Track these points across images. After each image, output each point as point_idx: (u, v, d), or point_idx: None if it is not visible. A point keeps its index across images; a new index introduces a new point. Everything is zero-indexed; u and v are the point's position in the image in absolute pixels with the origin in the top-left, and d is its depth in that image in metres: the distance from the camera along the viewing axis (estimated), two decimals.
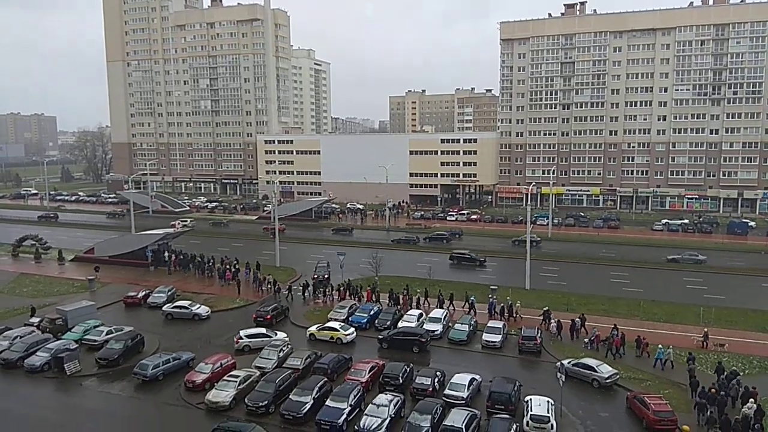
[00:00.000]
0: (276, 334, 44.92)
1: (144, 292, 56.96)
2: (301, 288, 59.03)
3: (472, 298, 52.74)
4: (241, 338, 44.24)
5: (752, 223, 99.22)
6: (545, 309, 49.39)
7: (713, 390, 33.93)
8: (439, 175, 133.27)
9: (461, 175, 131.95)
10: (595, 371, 37.71)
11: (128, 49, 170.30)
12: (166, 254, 71.55)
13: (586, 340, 44.41)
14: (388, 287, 57.55)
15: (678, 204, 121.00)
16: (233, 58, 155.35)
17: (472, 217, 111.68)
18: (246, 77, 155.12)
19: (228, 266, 66.51)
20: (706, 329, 43.87)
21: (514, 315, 50.79)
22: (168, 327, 49.83)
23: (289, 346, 42.47)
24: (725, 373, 36.72)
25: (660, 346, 41.01)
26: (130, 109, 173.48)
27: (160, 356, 40.01)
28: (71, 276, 67.07)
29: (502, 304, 51.76)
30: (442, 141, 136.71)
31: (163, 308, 52.91)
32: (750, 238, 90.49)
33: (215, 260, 69.61)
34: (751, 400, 32.97)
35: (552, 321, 47.21)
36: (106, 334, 44.50)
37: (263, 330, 45.36)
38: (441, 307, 52.14)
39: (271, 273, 63.89)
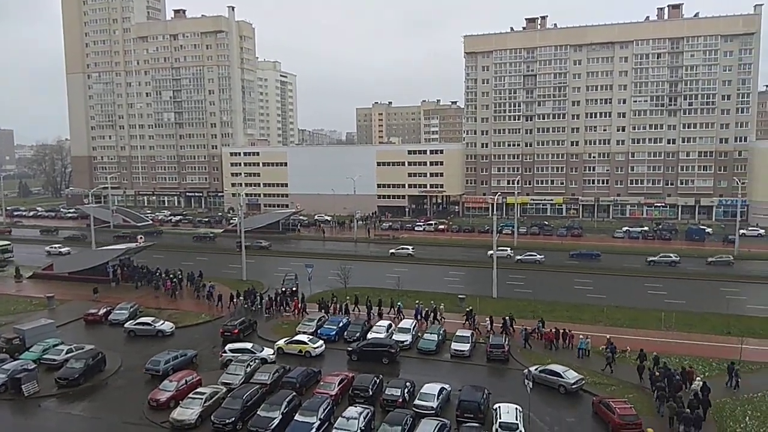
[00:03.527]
0: (263, 350, 44.25)
1: (105, 309, 55.51)
2: (232, 296, 59.13)
3: (399, 304, 54.60)
4: (225, 352, 43.64)
5: (709, 230, 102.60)
6: (468, 309, 51.80)
7: (657, 373, 37.64)
8: (406, 186, 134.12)
9: (428, 186, 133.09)
10: (562, 377, 38.28)
11: (89, 61, 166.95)
12: (113, 267, 70.04)
13: (523, 340, 46.32)
14: (357, 298, 57.45)
15: (638, 212, 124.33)
16: (197, 69, 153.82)
17: (440, 227, 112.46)
18: (210, 89, 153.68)
19: (171, 277, 66.44)
20: (608, 336, 44.51)
21: (438, 318, 52.50)
22: (131, 344, 48.61)
23: (257, 361, 41.78)
24: (658, 362, 40.05)
25: (581, 336, 44.78)
26: (91, 121, 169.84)
27: (168, 353, 42.06)
28: (29, 294, 64.90)
29: (426, 309, 53.42)
30: (409, 152, 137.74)
31: (125, 325, 51.69)
32: (707, 244, 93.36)
33: (161, 272, 69.60)
34: (698, 378, 37.28)
35: (485, 322, 49.57)
36: (66, 353, 43.14)
37: (249, 345, 44.55)
38: (369, 314, 53.59)
39: (212, 281, 64.43)
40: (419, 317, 52.39)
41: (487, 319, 49.85)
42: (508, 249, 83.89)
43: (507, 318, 49.19)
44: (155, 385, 37.83)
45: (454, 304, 56.22)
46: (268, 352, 44.05)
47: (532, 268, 77.65)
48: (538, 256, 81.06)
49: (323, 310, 54.77)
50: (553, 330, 46.60)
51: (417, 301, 55.42)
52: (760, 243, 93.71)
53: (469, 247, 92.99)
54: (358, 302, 56.71)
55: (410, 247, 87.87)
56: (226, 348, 44.32)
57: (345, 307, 55.24)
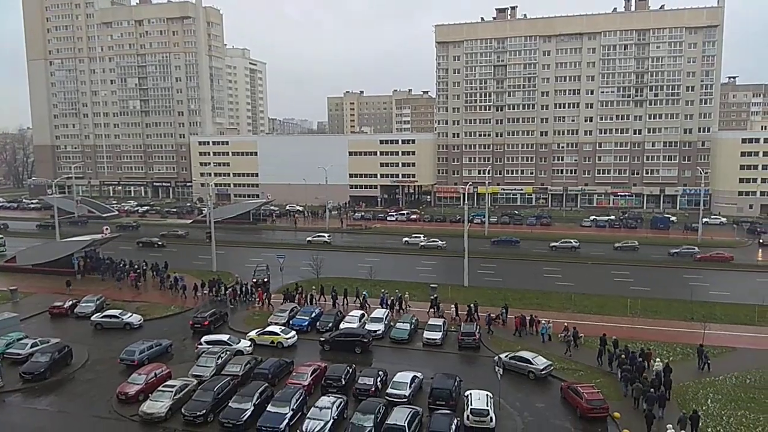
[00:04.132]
0: (239, 342, 43.85)
1: (71, 302, 54.31)
2: (196, 286, 58.97)
3: (364, 293, 54.99)
4: (200, 344, 43.22)
5: (673, 218, 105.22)
6: (433, 297, 52.88)
7: (623, 356, 38.96)
8: (378, 175, 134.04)
9: (400, 176, 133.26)
10: (531, 363, 38.94)
11: (51, 47, 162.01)
12: (77, 258, 68.57)
13: (486, 325, 47.50)
14: (328, 288, 57.42)
15: (605, 201, 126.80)
16: (163, 56, 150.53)
17: (412, 216, 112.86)
18: (177, 76, 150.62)
19: (135, 268, 65.95)
20: (566, 323, 45.87)
21: (403, 307, 53.41)
22: (98, 337, 47.70)
23: (228, 352, 41.44)
24: (617, 346, 41.36)
25: (543, 321, 46.29)
26: (54, 109, 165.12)
27: (143, 343, 42.15)
28: None
29: (392, 297, 54.12)
30: (381, 142, 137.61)
31: (92, 318, 50.68)
32: (672, 232, 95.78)
33: (125, 263, 69.03)
34: (658, 359, 38.75)
35: (450, 309, 50.89)
36: (31, 347, 42.15)
37: (225, 337, 44.06)
38: (334, 304, 54.07)
39: (182, 273, 63.76)
40: (384, 306, 52.75)
41: (452, 306, 50.92)
42: (421, 236, 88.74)
43: (471, 305, 50.13)
44: (124, 379, 37.27)
45: (425, 293, 56.48)
46: (244, 344, 43.66)
47: (501, 256, 78.62)
48: (440, 242, 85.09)
49: (288, 301, 54.76)
50: (519, 316, 47.53)
51: (382, 290, 55.77)
52: (721, 231, 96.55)
53: (440, 236, 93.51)
54: (324, 292, 56.73)
55: (326, 235, 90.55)
56: (202, 340, 43.86)
57: (310, 297, 55.32)
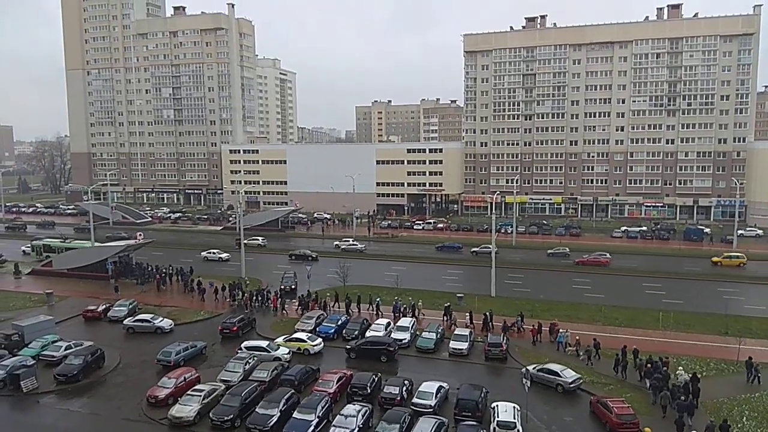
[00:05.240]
0: (278, 348, 44.30)
1: (104, 306, 55.61)
2: (216, 289, 60.74)
3: (377, 300, 55.24)
4: (240, 349, 43.87)
5: (707, 230, 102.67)
6: (446, 305, 53.19)
7: (649, 365, 39.08)
8: (405, 184, 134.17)
9: (427, 185, 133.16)
10: (560, 376, 38.38)
11: (88, 58, 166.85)
12: (110, 263, 70.23)
13: (502, 333, 47.15)
14: (355, 296, 57.59)
15: (636, 212, 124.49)
16: (197, 67, 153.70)
17: (439, 225, 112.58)
18: (210, 86, 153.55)
19: (162, 272, 67.42)
20: (577, 337, 45.42)
21: (416, 315, 53.36)
22: (129, 341, 48.70)
23: (255, 358, 41.89)
24: (637, 355, 41.45)
25: (560, 330, 46.33)
26: (90, 118, 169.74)
27: (179, 344, 43.59)
28: (28, 290, 64.95)
29: (404, 305, 54.31)
30: (409, 151, 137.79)
31: (124, 322, 51.77)
32: (705, 244, 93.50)
33: (152, 267, 70.44)
34: (680, 368, 38.61)
35: (465, 317, 50.85)
36: (65, 350, 43.23)
37: (264, 344, 44.60)
38: (348, 310, 54.40)
39: (211, 279, 65.04)
40: (398, 313, 52.94)
41: (467, 315, 50.93)
42: (358, 243, 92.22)
43: (486, 314, 50.01)
44: (154, 382, 37.95)
45: (451, 302, 56.17)
46: (282, 352, 43.99)
47: (529, 266, 77.73)
48: (359, 245, 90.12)
49: (301, 307, 55.64)
50: (534, 326, 47.35)
51: (396, 297, 56.11)
52: (757, 243, 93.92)
53: (467, 246, 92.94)
54: (338, 299, 57.22)
55: (260, 239, 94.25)
56: (242, 346, 44.45)
57: (324, 304, 55.95)
